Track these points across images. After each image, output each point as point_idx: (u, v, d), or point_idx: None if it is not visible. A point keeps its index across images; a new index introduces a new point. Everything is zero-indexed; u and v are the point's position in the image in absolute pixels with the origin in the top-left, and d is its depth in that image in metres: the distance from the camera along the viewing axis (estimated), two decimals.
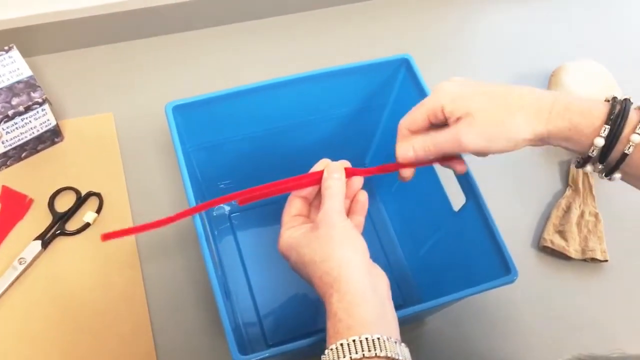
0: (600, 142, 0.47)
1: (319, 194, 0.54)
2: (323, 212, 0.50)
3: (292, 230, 0.52)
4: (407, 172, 0.56)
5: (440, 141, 0.52)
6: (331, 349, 0.43)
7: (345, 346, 0.42)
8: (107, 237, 0.53)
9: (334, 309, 0.45)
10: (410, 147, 0.54)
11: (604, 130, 0.47)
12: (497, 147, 0.50)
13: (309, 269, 0.48)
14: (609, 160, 0.49)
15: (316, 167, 0.54)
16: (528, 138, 0.49)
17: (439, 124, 0.53)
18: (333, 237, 0.48)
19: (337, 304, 0.45)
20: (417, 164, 0.55)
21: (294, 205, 0.54)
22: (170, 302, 0.68)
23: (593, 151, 0.48)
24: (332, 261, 0.47)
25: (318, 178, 0.53)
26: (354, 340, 0.42)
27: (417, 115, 0.53)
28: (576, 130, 0.48)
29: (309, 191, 0.54)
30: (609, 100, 0.49)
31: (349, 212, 0.54)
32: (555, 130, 0.49)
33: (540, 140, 0.50)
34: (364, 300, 0.45)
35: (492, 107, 0.50)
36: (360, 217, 0.54)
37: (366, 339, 0.42)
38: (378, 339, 0.42)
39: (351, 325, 0.43)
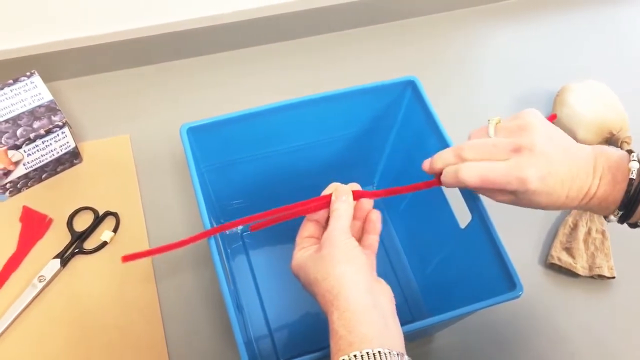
0: (614, 220, 0.53)
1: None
2: (327, 232, 0.51)
3: (303, 251, 0.53)
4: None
5: (478, 191, 0.55)
6: None
7: None
8: (127, 259, 0.55)
9: (335, 327, 0.46)
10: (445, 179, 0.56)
11: (618, 213, 0.52)
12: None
13: (314, 287, 0.50)
14: (628, 222, 0.53)
15: (326, 191, 0.55)
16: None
17: None
18: (334, 256, 0.49)
19: (337, 322, 0.46)
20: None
21: (307, 228, 0.55)
22: (185, 318, 0.70)
23: (609, 222, 0.53)
24: (332, 279, 0.48)
25: (327, 201, 0.54)
26: (354, 356, 0.43)
27: (489, 189, 0.53)
28: (589, 209, 0.54)
29: (321, 215, 0.55)
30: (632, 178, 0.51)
31: (362, 232, 0.56)
32: (576, 209, 0.54)
33: None
34: (364, 317, 0.46)
35: (537, 206, 0.53)
36: (374, 236, 0.55)
37: (367, 353, 0.43)
38: (379, 352, 0.43)
39: (352, 342, 0.44)
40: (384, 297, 0.49)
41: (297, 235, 0.56)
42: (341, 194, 0.54)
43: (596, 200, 0.52)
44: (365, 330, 0.45)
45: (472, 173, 0.51)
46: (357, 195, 0.55)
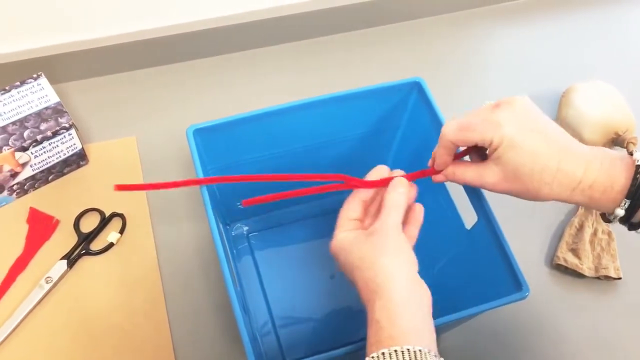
0: (620, 212, 0.49)
1: (376, 200, 0.55)
2: (380, 223, 0.51)
3: (346, 233, 0.53)
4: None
5: (470, 179, 0.54)
6: (372, 357, 0.44)
7: (387, 355, 0.43)
8: (120, 188, 0.55)
9: (376, 317, 0.46)
10: (444, 177, 0.56)
11: (625, 203, 0.49)
12: (518, 196, 0.53)
13: (356, 273, 0.49)
14: (631, 222, 0.50)
15: (371, 174, 0.55)
16: (546, 200, 0.52)
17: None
18: (383, 246, 0.49)
19: (379, 312, 0.46)
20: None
21: (353, 208, 0.54)
22: (191, 319, 0.70)
23: (615, 218, 0.50)
24: (378, 268, 0.48)
25: (365, 183, 0.54)
26: (395, 351, 0.43)
27: (467, 138, 0.52)
28: (597, 205, 0.50)
29: (369, 195, 0.55)
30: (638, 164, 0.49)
31: (403, 223, 0.55)
32: (574, 201, 0.51)
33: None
34: (406, 311, 0.45)
35: (526, 171, 0.50)
36: (414, 229, 0.55)
37: (407, 349, 0.43)
38: (420, 350, 0.43)
39: (393, 335, 0.44)
40: (424, 296, 0.48)
41: (340, 215, 0.55)
42: (398, 185, 0.53)
43: (600, 187, 0.49)
44: (405, 325, 0.45)
45: (452, 124, 0.52)
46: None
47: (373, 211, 0.56)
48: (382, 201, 0.53)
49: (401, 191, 0.53)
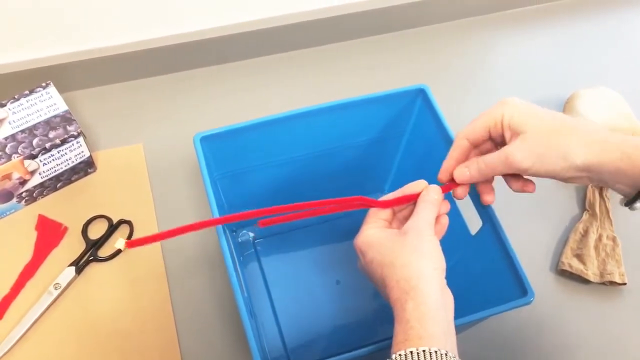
0: None
1: (405, 209, 0.56)
2: (415, 221, 0.52)
3: (376, 230, 0.54)
4: (461, 191, 0.58)
5: (491, 161, 0.54)
6: (400, 354, 0.45)
7: (415, 355, 0.44)
8: (132, 244, 0.55)
9: (406, 316, 0.47)
10: (465, 169, 0.56)
11: None
12: (547, 167, 0.51)
13: (386, 270, 0.50)
14: None
15: (412, 187, 0.56)
16: (578, 164, 0.50)
17: (497, 138, 0.55)
18: (419, 248, 0.50)
19: (410, 312, 0.47)
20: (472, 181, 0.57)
21: (382, 210, 0.56)
22: (198, 327, 0.70)
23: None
24: (413, 270, 0.49)
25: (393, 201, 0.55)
26: (424, 351, 0.44)
27: (477, 124, 0.55)
28: (629, 161, 0.48)
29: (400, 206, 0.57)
30: None
31: None
32: (607, 161, 0.49)
33: (589, 171, 0.50)
34: (437, 315, 0.47)
35: (547, 128, 0.51)
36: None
37: (435, 351, 0.44)
38: (446, 354, 0.44)
39: (422, 336, 0.45)
40: (450, 300, 0.50)
41: (369, 212, 0.56)
42: (432, 191, 0.55)
43: (631, 141, 0.48)
44: (435, 328, 0.46)
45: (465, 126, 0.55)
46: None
47: (401, 218, 0.57)
48: (416, 204, 0.54)
49: (435, 196, 0.54)
